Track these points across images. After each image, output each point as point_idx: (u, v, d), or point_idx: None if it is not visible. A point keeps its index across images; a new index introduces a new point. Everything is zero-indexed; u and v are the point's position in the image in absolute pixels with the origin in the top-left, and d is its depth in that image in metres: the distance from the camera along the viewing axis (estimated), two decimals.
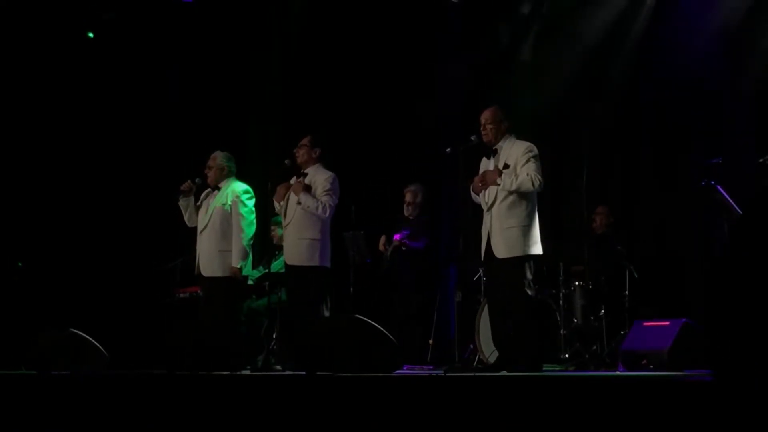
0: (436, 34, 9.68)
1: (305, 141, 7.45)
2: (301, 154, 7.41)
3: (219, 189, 7.64)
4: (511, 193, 6.38)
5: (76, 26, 10.56)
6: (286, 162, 7.39)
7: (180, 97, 10.59)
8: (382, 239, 8.52)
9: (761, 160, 6.29)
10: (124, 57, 10.53)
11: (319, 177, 7.32)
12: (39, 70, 10.29)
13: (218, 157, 7.71)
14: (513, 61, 9.56)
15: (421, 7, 9.72)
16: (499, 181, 6.33)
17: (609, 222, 8.43)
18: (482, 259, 6.59)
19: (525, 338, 6.32)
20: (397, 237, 8.34)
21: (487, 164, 6.60)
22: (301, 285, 7.25)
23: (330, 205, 7.22)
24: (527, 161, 6.39)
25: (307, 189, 7.24)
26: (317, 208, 7.18)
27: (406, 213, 8.55)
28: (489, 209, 6.48)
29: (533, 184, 6.33)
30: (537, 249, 6.44)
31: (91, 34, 10.65)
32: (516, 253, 6.36)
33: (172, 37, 10.59)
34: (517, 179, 6.32)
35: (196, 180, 7.69)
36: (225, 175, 7.68)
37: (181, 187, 7.69)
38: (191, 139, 9.99)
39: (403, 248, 8.32)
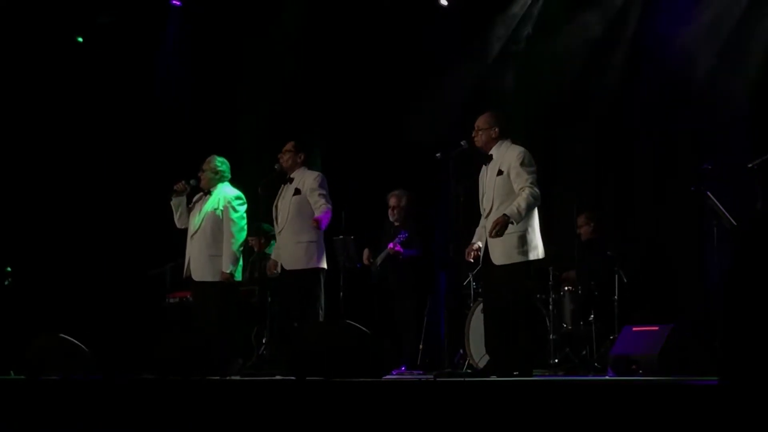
0: (428, 39, 9.67)
1: (289, 146, 7.49)
2: (285, 160, 7.45)
3: (211, 193, 7.65)
4: (507, 199, 6.31)
5: (68, 30, 10.56)
6: (276, 167, 7.42)
7: (171, 102, 10.58)
8: (366, 253, 8.37)
9: (750, 165, 6.30)
10: (114, 61, 10.52)
11: (307, 177, 7.38)
12: (28, 75, 10.28)
13: (213, 161, 7.72)
14: (505, 64, 9.56)
15: (413, 11, 9.73)
16: (511, 220, 6.16)
17: (592, 227, 8.38)
18: (478, 264, 6.55)
19: (519, 343, 6.26)
20: (391, 246, 8.25)
21: (485, 171, 6.55)
22: (300, 288, 7.25)
23: (328, 201, 7.27)
24: (519, 169, 6.28)
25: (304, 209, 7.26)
26: (325, 209, 7.21)
27: (391, 218, 8.50)
28: (487, 215, 6.42)
29: (535, 199, 6.23)
30: (536, 254, 6.35)
31: (80, 39, 10.65)
32: (513, 259, 6.29)
33: (163, 41, 10.59)
34: (520, 205, 6.16)
35: (191, 181, 7.69)
36: (218, 179, 7.69)
37: (175, 186, 7.68)
38: (182, 145, 9.99)
39: (400, 257, 8.25)
